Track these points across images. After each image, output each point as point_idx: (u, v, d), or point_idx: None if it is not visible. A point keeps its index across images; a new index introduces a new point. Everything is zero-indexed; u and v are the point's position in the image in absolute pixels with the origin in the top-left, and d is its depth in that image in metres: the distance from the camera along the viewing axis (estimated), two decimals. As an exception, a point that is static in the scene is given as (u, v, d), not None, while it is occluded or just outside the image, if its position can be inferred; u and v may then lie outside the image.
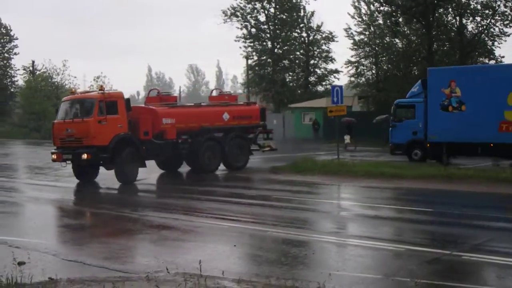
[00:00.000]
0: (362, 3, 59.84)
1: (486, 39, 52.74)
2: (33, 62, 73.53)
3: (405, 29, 54.88)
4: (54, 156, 23.75)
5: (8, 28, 76.48)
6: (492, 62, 52.11)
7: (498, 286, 9.56)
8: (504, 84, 26.04)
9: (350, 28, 60.50)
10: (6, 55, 77.33)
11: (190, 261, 11.03)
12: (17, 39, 77.13)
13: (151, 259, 11.87)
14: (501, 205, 18.30)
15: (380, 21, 57.51)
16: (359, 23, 60.58)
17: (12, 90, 77.77)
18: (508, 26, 51.17)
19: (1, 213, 18.06)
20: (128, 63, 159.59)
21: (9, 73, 78.10)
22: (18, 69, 76.57)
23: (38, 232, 14.85)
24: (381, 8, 53.18)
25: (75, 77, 69.74)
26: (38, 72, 71.52)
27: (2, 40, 76.53)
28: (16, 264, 9.95)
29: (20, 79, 76.82)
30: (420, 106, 29.33)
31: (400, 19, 52.13)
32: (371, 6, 57.21)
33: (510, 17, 50.54)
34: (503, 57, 53.11)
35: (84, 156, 22.16)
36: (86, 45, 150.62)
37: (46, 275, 10.38)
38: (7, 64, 77.89)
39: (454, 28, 53.02)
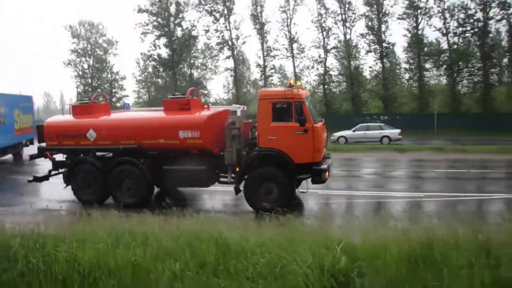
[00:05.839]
0: (141, 61, 62.32)
1: (202, 79, 58.62)
2: None
3: (164, 74, 59.31)
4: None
5: None
6: (206, 91, 57.71)
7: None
8: None
9: (134, 74, 65.37)
10: None
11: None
12: None
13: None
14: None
15: (150, 70, 61.68)
16: (141, 70, 63.73)
17: None
18: (215, 74, 58.81)
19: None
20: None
21: None
22: None
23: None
24: (151, 63, 58.69)
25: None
26: None
27: None
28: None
29: None
30: None
31: (161, 69, 58.33)
32: (146, 62, 60.64)
33: (215, 69, 57.73)
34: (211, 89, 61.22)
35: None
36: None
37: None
38: None
39: (187, 74, 58.44)
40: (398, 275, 5.99)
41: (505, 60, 55.20)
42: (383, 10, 54.67)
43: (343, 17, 56.14)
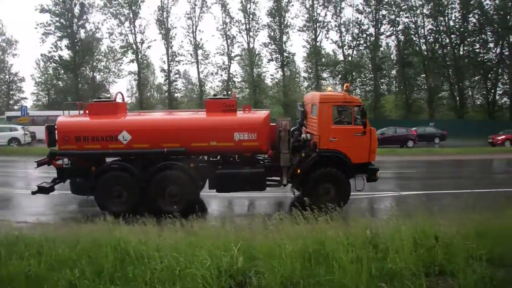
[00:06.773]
0: (41, 62, 59.41)
1: (105, 82, 58.13)
2: None
3: (65, 77, 57.14)
4: None
5: None
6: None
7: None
8: None
9: (34, 75, 60.24)
10: None
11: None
12: None
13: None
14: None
15: (51, 71, 58.83)
16: (41, 72, 60.82)
17: None
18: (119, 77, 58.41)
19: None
20: None
21: None
22: None
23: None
24: (52, 64, 56.21)
25: None
26: None
27: None
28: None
29: None
30: None
31: (62, 71, 56.10)
32: (47, 63, 57.78)
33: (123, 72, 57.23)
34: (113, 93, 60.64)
35: None
36: None
37: None
38: None
39: (90, 77, 57.60)
40: (293, 272, 6.14)
41: (394, 71, 59.80)
42: (285, 22, 56.66)
43: (247, 26, 57.38)
